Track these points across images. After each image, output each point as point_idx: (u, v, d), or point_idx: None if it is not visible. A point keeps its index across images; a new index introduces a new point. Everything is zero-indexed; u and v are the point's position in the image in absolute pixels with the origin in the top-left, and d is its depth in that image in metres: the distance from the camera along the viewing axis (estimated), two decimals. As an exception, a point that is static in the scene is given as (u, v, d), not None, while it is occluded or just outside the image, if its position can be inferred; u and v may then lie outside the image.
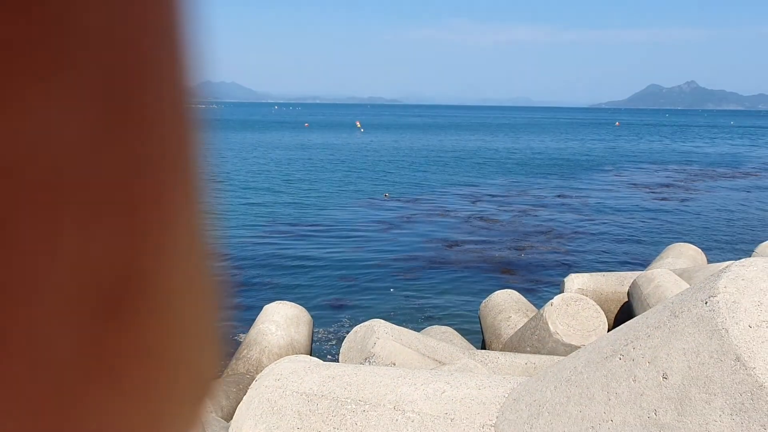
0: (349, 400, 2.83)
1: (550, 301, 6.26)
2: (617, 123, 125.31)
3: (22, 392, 0.17)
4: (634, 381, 1.98)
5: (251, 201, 21.07)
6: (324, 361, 4.26)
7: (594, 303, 6.29)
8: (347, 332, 5.79)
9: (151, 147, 0.20)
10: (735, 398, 1.71)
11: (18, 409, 0.17)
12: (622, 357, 2.08)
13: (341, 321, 9.64)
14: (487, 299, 8.04)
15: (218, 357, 0.27)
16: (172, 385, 0.23)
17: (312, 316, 7.64)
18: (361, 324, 5.35)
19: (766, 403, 1.66)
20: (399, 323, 6.50)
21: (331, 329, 9.30)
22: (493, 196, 23.04)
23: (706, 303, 1.91)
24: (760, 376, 1.70)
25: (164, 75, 0.20)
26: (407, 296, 11.03)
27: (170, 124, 0.21)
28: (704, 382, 1.78)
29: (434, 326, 7.88)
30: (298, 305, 7.55)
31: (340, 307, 10.42)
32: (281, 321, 7.05)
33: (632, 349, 2.05)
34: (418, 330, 7.56)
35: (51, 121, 0.16)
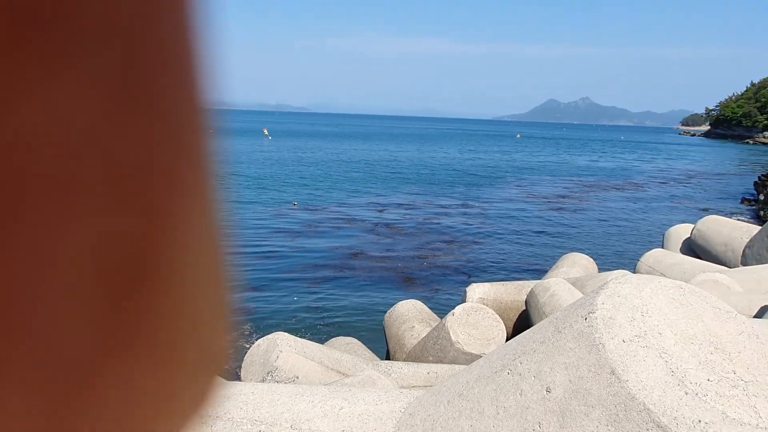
0: (245, 421, 2.76)
1: (452, 311, 6.42)
2: (519, 135, 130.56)
3: (35, 380, 0.17)
4: (521, 395, 2.05)
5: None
6: (224, 373, 4.12)
7: (493, 312, 6.49)
8: (250, 345, 5.66)
9: (165, 136, 0.20)
10: (610, 410, 1.82)
11: (31, 396, 0.17)
12: (510, 372, 2.15)
13: (243, 333, 9.44)
14: (391, 309, 8.12)
15: (230, 342, 0.28)
16: (184, 370, 0.24)
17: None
18: (264, 337, 5.25)
19: (638, 413, 1.77)
20: (304, 334, 6.43)
21: (233, 341, 9.06)
22: (399, 205, 23.36)
23: (585, 319, 2.01)
24: (632, 388, 1.81)
25: (179, 65, 0.21)
26: (312, 307, 10.95)
27: (185, 114, 0.21)
28: (583, 395, 1.88)
29: (339, 337, 7.86)
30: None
31: (243, 319, 10.20)
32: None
33: (519, 364, 2.13)
34: (323, 341, 7.51)
35: (64, 108, 0.17)
